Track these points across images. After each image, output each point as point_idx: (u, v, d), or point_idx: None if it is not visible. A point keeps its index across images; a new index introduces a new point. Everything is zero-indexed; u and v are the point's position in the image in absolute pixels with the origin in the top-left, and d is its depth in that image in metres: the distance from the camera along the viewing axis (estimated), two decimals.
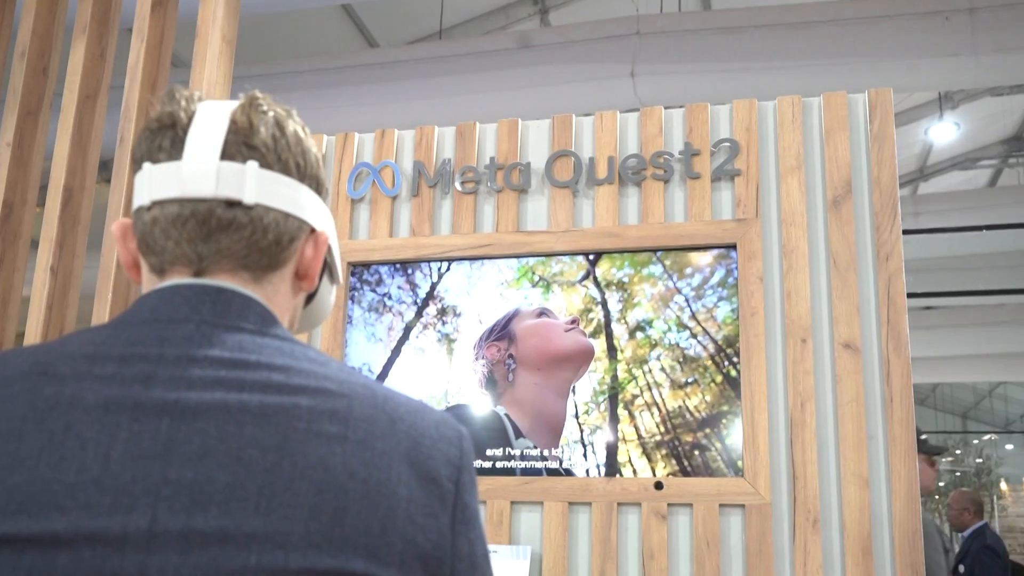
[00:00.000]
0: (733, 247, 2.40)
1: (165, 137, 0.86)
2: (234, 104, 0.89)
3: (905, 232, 8.50)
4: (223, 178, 0.84)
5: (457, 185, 2.61)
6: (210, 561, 0.71)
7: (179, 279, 0.86)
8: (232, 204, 0.85)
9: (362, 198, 2.68)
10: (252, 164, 0.86)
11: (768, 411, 2.29)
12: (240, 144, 0.86)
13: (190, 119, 0.87)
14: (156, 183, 0.85)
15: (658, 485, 2.31)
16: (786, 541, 2.23)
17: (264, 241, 0.86)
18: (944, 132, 9.01)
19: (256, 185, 0.85)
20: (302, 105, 6.31)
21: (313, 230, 0.91)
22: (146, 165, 0.86)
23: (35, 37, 3.21)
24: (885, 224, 2.34)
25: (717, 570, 2.24)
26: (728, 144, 2.47)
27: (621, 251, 2.46)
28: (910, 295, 10.10)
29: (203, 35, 2.94)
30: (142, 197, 0.86)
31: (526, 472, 2.40)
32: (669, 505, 2.30)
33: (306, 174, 0.90)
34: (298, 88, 6.42)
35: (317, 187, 0.92)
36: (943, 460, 17.99)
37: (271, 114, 0.89)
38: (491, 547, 2.32)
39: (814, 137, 2.46)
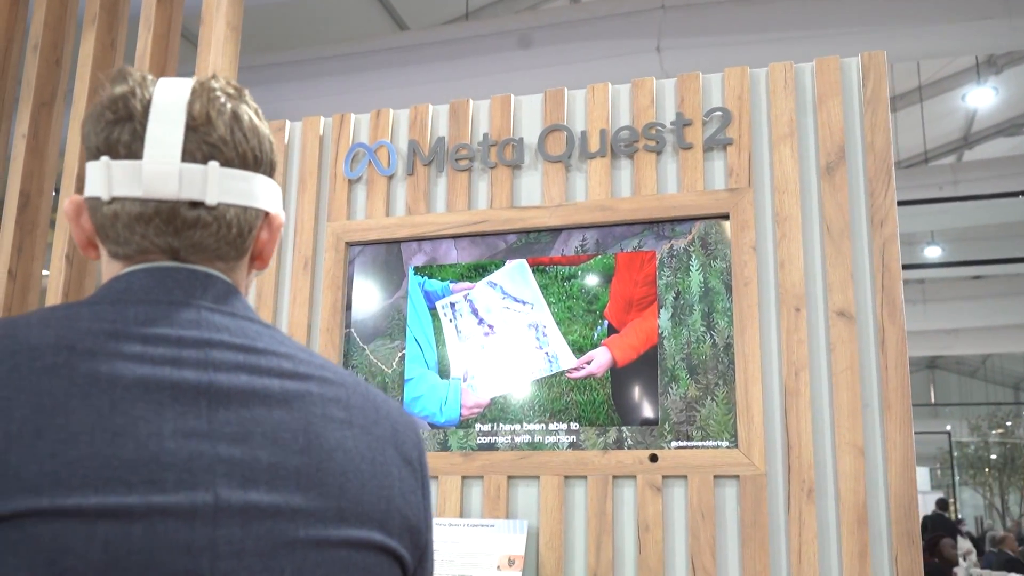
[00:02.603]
0: (726, 217, 2.38)
1: (124, 131, 0.87)
2: (188, 89, 0.89)
3: (942, 200, 8.36)
4: (185, 180, 0.86)
5: (451, 163, 2.62)
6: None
7: (161, 262, 0.88)
8: (195, 204, 0.87)
9: (359, 178, 2.70)
10: (213, 164, 0.87)
11: (762, 381, 2.27)
12: (200, 142, 0.87)
13: (146, 109, 0.87)
14: (116, 179, 0.86)
15: (653, 457, 2.31)
16: (781, 511, 2.22)
17: (230, 235, 0.90)
18: (983, 97, 8.79)
19: (218, 185, 0.88)
20: (332, 90, 6.37)
21: (267, 214, 0.94)
22: (104, 158, 0.87)
23: (47, 29, 3.27)
24: (879, 190, 2.30)
25: (712, 541, 2.23)
26: (720, 113, 2.44)
27: (614, 224, 2.45)
28: (955, 264, 9.93)
29: (208, 22, 2.98)
30: (100, 190, 0.87)
31: (523, 447, 2.41)
32: (664, 477, 2.30)
33: (262, 162, 0.93)
34: (327, 73, 6.46)
35: (270, 170, 0.94)
36: (994, 432, 17.68)
37: (228, 105, 0.90)
38: (489, 521, 2.34)
39: (807, 103, 2.42)
